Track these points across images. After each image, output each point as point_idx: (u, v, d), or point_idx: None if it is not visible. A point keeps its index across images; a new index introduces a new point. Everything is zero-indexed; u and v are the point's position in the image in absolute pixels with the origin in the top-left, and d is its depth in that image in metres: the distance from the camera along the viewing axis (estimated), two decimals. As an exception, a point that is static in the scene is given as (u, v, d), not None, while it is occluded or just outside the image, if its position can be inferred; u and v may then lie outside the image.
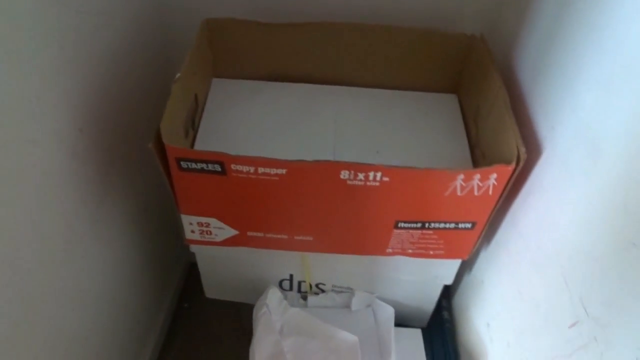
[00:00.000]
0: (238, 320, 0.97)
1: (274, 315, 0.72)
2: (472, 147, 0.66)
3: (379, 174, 0.53)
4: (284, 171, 0.52)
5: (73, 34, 0.52)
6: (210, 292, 0.84)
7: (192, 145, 0.63)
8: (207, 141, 0.64)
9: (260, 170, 0.52)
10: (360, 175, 0.53)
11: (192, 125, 0.64)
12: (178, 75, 0.57)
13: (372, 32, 0.69)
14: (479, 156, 0.64)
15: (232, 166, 0.52)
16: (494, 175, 0.54)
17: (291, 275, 0.77)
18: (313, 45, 0.70)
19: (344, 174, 0.53)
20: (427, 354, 0.76)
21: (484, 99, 0.64)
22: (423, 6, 0.70)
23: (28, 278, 0.49)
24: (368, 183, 0.54)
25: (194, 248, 0.71)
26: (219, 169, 0.53)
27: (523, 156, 0.52)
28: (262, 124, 0.67)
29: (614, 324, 0.40)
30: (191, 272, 1.08)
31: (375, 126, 0.68)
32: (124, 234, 0.72)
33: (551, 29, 0.55)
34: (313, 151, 0.64)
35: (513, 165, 0.53)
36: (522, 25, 0.63)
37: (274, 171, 0.53)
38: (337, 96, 0.72)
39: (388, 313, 0.75)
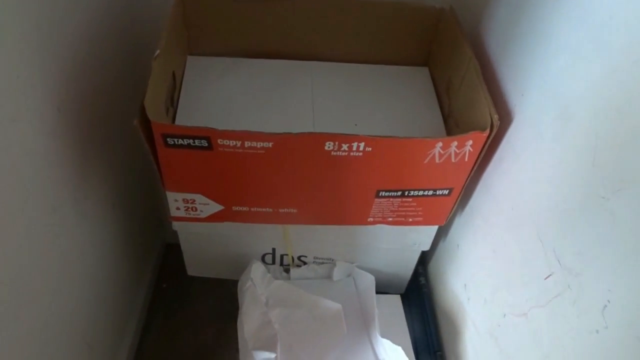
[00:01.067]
0: (217, 297, 0.98)
1: (258, 288, 0.74)
2: (446, 117, 0.69)
3: (362, 144, 0.55)
4: (270, 144, 0.54)
5: (48, 11, 0.51)
6: (192, 270, 0.84)
7: (173, 122, 0.63)
8: (187, 118, 0.64)
9: (247, 144, 0.53)
10: (344, 146, 0.55)
11: (171, 102, 0.64)
12: (157, 52, 0.56)
13: (344, 7, 0.70)
14: (453, 125, 0.67)
15: (219, 141, 0.53)
16: (470, 142, 0.57)
17: (273, 249, 0.78)
18: (287, 21, 0.71)
19: (329, 145, 0.54)
20: (406, 318, 0.79)
21: (455, 70, 0.67)
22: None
23: (15, 260, 0.49)
24: (351, 154, 0.56)
25: (176, 225, 0.71)
26: (206, 144, 0.53)
27: (496, 123, 0.55)
28: (241, 100, 0.68)
29: (585, 272, 0.43)
30: (168, 252, 1.08)
31: (352, 100, 0.70)
32: (103, 215, 0.71)
33: (518, 1, 0.58)
34: (294, 126, 0.65)
35: (487, 131, 0.55)
36: (488, -2, 0.66)
37: (260, 145, 0.54)
38: (313, 71, 0.73)
39: (369, 281, 0.78)
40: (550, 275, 0.48)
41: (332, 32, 0.73)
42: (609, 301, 0.40)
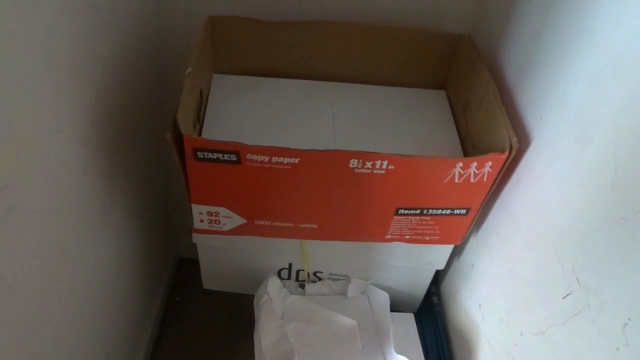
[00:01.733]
0: (229, 312, 1.00)
1: (275, 302, 0.75)
2: (462, 140, 0.71)
3: (385, 162, 0.56)
4: (296, 160, 0.55)
5: (87, 28, 0.54)
6: (208, 284, 0.85)
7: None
8: (212, 134, 0.66)
9: (274, 159, 0.55)
10: (368, 164, 0.56)
11: (198, 118, 0.66)
12: (189, 70, 0.59)
13: (365, 31, 0.73)
14: (470, 147, 0.69)
15: (248, 156, 0.55)
16: (489, 163, 0.58)
17: (290, 264, 0.79)
18: (310, 43, 0.73)
19: (353, 162, 0.56)
20: (419, 337, 0.80)
21: (473, 94, 0.69)
22: (412, 8, 0.74)
23: (49, 269, 0.51)
24: (374, 171, 0.57)
25: (196, 238, 0.73)
26: (234, 159, 0.55)
27: (515, 145, 0.57)
28: (263, 118, 0.70)
29: (605, 290, 0.44)
30: (181, 266, 1.10)
31: (371, 120, 0.72)
32: (125, 227, 0.73)
33: (536, 31, 0.60)
34: (315, 144, 0.66)
35: (507, 153, 0.57)
36: (505, 27, 0.68)
37: (287, 160, 0.55)
38: (333, 92, 0.76)
39: (383, 298, 0.79)
40: (569, 294, 0.49)
41: (353, 54, 0.75)
42: (629, 319, 0.41)
